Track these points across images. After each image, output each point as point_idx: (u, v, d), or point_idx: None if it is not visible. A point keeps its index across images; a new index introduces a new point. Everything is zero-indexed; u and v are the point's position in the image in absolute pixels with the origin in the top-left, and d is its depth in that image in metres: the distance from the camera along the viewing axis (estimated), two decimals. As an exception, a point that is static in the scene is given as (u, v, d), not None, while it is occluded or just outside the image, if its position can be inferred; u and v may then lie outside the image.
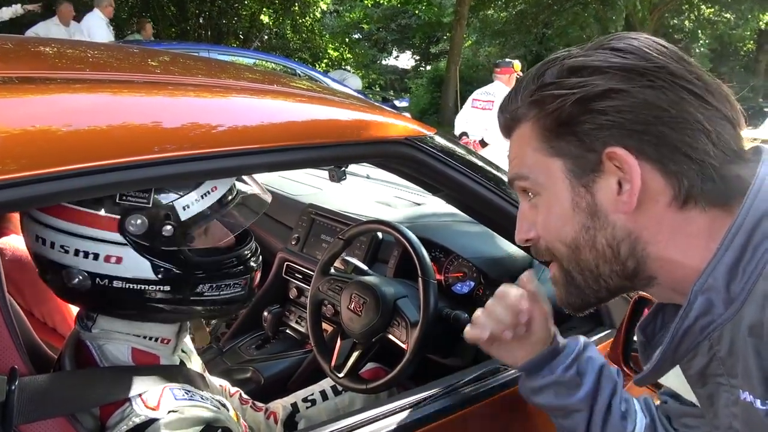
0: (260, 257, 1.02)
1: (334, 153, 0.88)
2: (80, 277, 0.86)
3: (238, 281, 0.96)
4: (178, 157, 0.70)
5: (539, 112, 0.65)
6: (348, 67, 10.30)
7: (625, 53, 0.61)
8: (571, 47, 0.68)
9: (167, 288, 0.89)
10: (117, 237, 0.84)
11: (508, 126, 0.71)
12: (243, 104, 0.84)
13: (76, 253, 0.85)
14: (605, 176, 0.63)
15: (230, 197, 0.93)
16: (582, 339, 0.97)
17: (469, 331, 0.95)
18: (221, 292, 0.94)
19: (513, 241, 1.30)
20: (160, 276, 0.88)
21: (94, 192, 0.68)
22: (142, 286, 0.88)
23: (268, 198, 1.04)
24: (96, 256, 0.85)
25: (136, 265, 0.86)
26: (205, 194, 0.88)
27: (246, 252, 0.98)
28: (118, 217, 0.84)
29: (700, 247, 0.62)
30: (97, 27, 6.87)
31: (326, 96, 1.01)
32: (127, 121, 0.69)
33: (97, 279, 0.86)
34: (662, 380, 0.73)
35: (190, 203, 0.87)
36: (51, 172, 0.61)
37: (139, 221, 0.84)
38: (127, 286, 0.87)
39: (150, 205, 0.85)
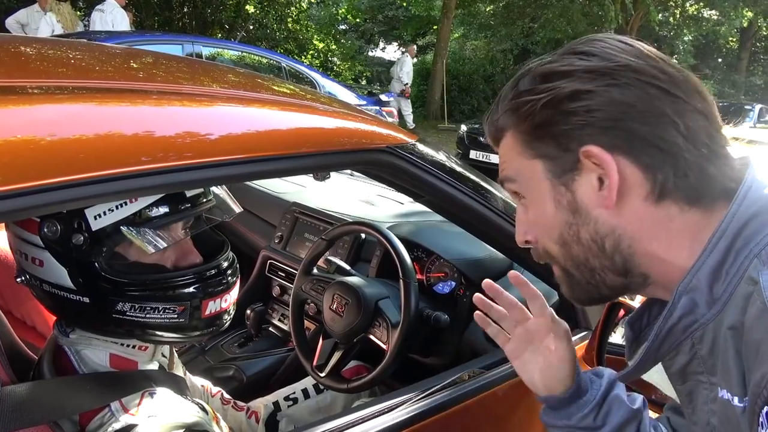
0: (221, 283, 0.93)
1: (316, 162, 0.88)
2: (25, 278, 0.88)
3: (169, 306, 0.88)
4: (162, 168, 0.70)
5: (517, 119, 0.68)
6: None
7: (588, 56, 0.64)
8: (545, 55, 0.70)
9: (86, 300, 0.85)
10: (38, 240, 0.83)
11: (495, 137, 0.73)
12: (229, 113, 0.84)
13: (18, 252, 0.87)
14: (585, 174, 0.65)
15: (155, 212, 0.85)
16: (607, 375, 0.92)
17: (477, 314, 0.97)
18: (147, 315, 0.87)
19: (493, 246, 1.34)
20: (77, 286, 0.84)
21: (75, 203, 0.68)
22: (65, 294, 0.85)
23: (221, 215, 0.97)
24: (26, 257, 0.86)
25: (55, 271, 0.84)
26: (120, 205, 0.82)
27: (182, 276, 0.90)
28: (38, 220, 0.83)
29: (684, 247, 0.64)
30: (120, 18, 6.77)
31: (311, 104, 1.01)
32: (111, 132, 0.69)
33: (32, 280, 0.87)
34: (645, 376, 0.75)
35: (101, 212, 0.82)
36: (33, 186, 0.61)
37: (54, 227, 0.82)
38: (53, 291, 0.85)
39: (64, 212, 0.82)
